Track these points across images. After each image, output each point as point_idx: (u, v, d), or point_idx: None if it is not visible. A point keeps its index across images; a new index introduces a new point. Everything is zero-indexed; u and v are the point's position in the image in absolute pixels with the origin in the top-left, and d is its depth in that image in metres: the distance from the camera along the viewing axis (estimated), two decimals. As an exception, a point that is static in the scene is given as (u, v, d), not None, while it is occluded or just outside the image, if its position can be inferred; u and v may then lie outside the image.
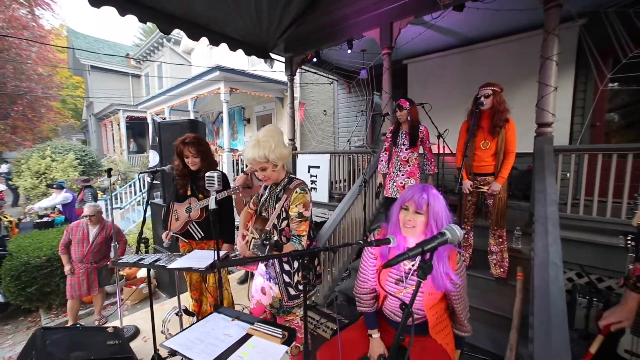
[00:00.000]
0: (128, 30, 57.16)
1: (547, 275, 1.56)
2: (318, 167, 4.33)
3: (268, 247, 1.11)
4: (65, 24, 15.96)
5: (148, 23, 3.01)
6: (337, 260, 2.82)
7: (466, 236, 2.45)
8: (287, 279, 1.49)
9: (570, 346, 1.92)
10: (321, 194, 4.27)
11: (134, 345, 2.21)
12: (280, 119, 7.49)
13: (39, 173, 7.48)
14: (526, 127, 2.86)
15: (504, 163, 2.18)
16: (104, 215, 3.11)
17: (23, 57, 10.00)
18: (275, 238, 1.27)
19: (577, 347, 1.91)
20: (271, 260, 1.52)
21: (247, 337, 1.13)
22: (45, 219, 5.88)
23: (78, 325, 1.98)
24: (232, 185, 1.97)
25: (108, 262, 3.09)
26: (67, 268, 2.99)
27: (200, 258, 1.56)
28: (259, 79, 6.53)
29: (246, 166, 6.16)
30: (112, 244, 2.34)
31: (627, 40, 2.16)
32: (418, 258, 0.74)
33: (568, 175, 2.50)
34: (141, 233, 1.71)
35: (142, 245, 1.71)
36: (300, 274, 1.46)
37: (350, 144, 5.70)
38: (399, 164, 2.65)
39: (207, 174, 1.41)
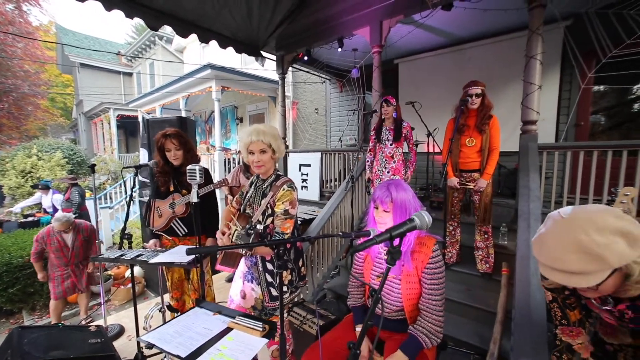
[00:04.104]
0: (120, 29, 56.26)
1: (528, 269, 1.59)
2: (309, 165, 4.33)
3: (253, 235, 1.04)
4: (53, 20, 15.61)
5: (133, 18, 2.96)
6: (326, 257, 2.83)
7: (453, 232, 2.48)
8: (269, 278, 1.46)
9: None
10: (312, 192, 4.27)
11: (118, 344, 2.18)
12: (272, 118, 7.46)
13: (25, 172, 7.30)
14: (514, 126, 2.90)
15: (489, 159, 2.20)
16: (91, 214, 3.05)
17: (8, 53, 9.75)
18: (261, 227, 1.23)
19: (559, 340, 1.95)
20: (254, 259, 1.50)
21: (227, 330, 1.12)
22: (30, 219, 5.75)
23: (59, 324, 1.94)
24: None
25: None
26: (40, 276, 2.91)
27: (183, 253, 1.54)
28: (251, 77, 6.50)
29: (238, 163, 6.10)
30: (98, 241, 2.30)
31: (607, 41, 2.22)
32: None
33: (548, 173, 2.55)
34: (124, 229, 1.68)
35: (125, 241, 1.68)
36: (283, 273, 1.45)
37: (341, 142, 5.72)
38: (383, 160, 2.68)
39: (189, 167, 1.39)
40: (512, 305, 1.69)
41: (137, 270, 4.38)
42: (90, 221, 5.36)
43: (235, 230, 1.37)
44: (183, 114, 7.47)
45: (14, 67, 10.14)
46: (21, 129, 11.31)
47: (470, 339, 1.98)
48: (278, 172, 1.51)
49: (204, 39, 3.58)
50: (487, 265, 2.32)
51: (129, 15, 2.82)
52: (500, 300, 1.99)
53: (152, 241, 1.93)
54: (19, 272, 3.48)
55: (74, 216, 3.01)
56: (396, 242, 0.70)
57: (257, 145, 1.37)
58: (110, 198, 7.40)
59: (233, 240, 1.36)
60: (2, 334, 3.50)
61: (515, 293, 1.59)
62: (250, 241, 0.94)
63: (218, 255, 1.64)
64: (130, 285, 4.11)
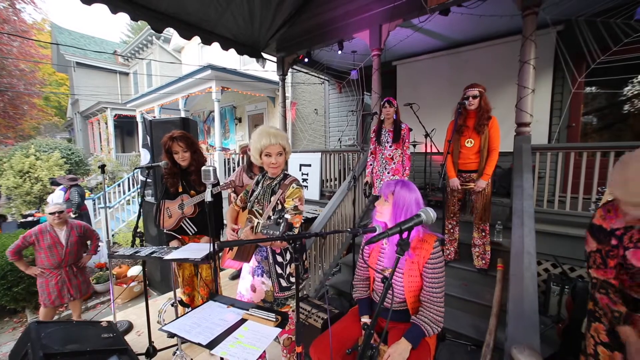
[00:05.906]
0: (115, 27, 55.72)
1: (522, 263, 1.68)
2: (309, 165, 4.40)
3: (283, 224, 1.05)
4: (48, 18, 15.42)
5: (138, 21, 3.02)
6: (327, 255, 2.91)
7: (452, 231, 2.57)
8: (279, 270, 1.55)
9: (544, 330, 2.07)
10: (312, 192, 4.35)
11: (127, 339, 2.22)
12: (271, 118, 7.52)
13: (23, 172, 7.26)
14: (510, 127, 3.00)
15: (488, 160, 2.26)
16: (90, 214, 3.07)
17: (4, 52, 9.67)
18: (289, 216, 1.27)
19: (550, 331, 2.06)
20: (264, 254, 1.58)
21: (242, 321, 1.20)
22: (30, 219, 5.75)
23: (72, 320, 1.99)
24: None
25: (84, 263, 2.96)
26: (33, 271, 2.71)
27: (195, 250, 1.61)
28: (251, 78, 6.56)
29: (237, 164, 6.14)
30: (106, 240, 2.34)
31: (596, 47, 2.33)
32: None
33: (541, 173, 2.65)
34: (136, 227, 1.74)
35: (138, 239, 1.74)
36: (292, 266, 1.53)
37: (341, 143, 5.80)
38: (384, 162, 2.76)
39: (203, 168, 1.47)
40: (506, 299, 1.78)
41: (139, 269, 4.42)
42: (90, 221, 5.39)
43: (258, 222, 1.46)
44: (182, 114, 7.49)
45: (9, 66, 10.05)
46: (17, 129, 11.21)
47: (467, 331, 2.08)
48: (285, 172, 1.60)
49: (207, 41, 3.64)
50: (484, 262, 2.42)
51: (134, 18, 2.88)
52: (496, 295, 2.09)
53: (174, 242, 2.01)
54: (22, 271, 3.50)
55: (73, 216, 3.01)
56: (405, 235, 0.79)
57: (275, 148, 1.47)
58: (109, 198, 7.41)
59: (258, 231, 1.43)
60: (7, 332, 3.53)
61: (509, 287, 1.68)
62: (281, 229, 0.98)
63: (222, 253, 1.71)
64: (132, 283, 4.18)
